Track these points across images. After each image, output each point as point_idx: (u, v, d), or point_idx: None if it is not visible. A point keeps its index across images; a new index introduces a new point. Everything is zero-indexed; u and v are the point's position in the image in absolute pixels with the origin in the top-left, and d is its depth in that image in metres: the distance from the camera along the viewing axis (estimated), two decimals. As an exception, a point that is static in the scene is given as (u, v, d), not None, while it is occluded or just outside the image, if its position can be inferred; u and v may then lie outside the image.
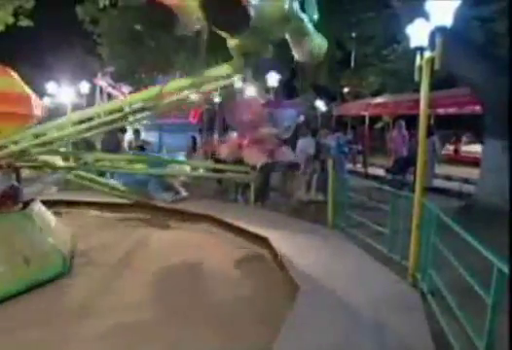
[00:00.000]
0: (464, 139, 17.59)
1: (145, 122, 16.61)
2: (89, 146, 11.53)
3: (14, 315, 3.76)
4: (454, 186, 9.86)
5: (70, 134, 5.24)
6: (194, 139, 13.82)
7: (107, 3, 11.01)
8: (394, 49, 13.20)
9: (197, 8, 3.25)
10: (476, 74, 7.12)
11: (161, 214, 7.38)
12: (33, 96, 5.00)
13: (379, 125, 20.12)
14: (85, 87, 13.28)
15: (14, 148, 4.84)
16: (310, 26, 3.99)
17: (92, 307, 3.92)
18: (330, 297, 3.86)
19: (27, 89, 4.92)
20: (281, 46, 4.09)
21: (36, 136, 5.17)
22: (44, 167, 5.61)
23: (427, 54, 3.97)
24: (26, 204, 4.95)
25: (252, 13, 3.22)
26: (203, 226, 6.86)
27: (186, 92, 5.15)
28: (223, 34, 3.56)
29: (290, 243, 5.45)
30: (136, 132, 10.98)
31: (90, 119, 5.35)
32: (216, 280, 4.68)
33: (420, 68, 4.10)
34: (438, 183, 10.39)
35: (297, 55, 4.10)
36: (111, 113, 5.24)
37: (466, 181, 9.84)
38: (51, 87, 13.38)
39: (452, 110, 15.64)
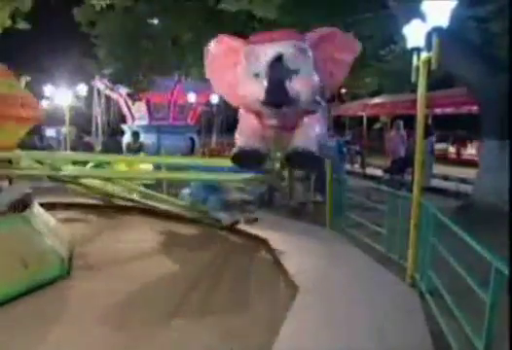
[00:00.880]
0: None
1: (143, 123, 16.70)
2: (88, 149, 11.56)
3: (12, 317, 3.75)
4: (451, 185, 9.89)
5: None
6: (192, 141, 13.83)
7: (104, 5, 11.00)
8: (391, 49, 13.21)
9: None
10: (473, 74, 7.14)
11: (161, 217, 7.37)
12: (33, 99, 5.01)
13: (377, 126, 20.15)
14: (82, 89, 13.28)
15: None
16: None
17: (92, 310, 3.91)
18: (329, 297, 3.86)
19: (27, 92, 4.93)
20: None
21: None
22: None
23: (424, 55, 3.98)
24: (25, 207, 4.94)
25: None
26: (203, 226, 6.85)
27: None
28: None
29: (289, 244, 5.46)
30: (135, 134, 10.97)
31: None
32: (215, 281, 4.68)
33: (417, 69, 4.11)
34: (435, 183, 10.41)
35: None
36: None
37: (464, 181, 9.86)
38: (48, 89, 13.38)
39: (449, 110, 15.68)
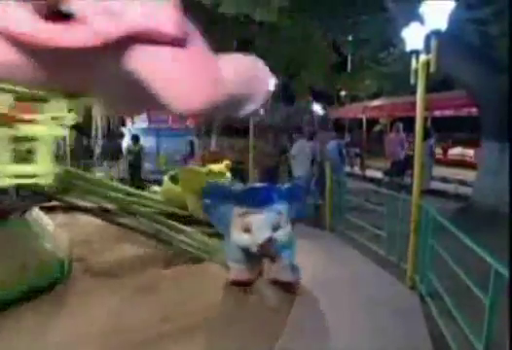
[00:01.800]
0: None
1: (142, 126, 16.69)
2: (87, 152, 11.54)
3: (11, 320, 3.74)
4: (450, 188, 9.89)
5: None
6: (191, 143, 13.82)
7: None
8: (390, 52, 13.27)
9: None
10: (471, 76, 7.15)
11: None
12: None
13: (377, 128, 20.16)
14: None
15: None
16: None
17: (91, 313, 3.90)
18: (329, 300, 3.85)
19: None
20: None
21: None
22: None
23: (423, 57, 4.00)
24: (24, 210, 4.94)
25: None
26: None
27: None
28: None
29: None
30: (135, 137, 10.97)
31: None
32: (214, 282, 4.66)
33: (416, 71, 4.12)
34: (435, 185, 10.41)
35: None
36: None
37: (463, 183, 9.87)
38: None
39: (448, 112, 15.71)
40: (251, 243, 3.81)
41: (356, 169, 14.76)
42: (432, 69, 3.86)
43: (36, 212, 5.25)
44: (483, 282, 2.59)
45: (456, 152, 15.39)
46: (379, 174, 12.25)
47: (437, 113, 15.66)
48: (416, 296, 3.93)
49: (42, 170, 3.62)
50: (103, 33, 2.30)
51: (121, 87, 2.76)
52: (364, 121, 16.16)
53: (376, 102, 16.81)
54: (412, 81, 4.23)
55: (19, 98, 3.19)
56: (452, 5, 3.94)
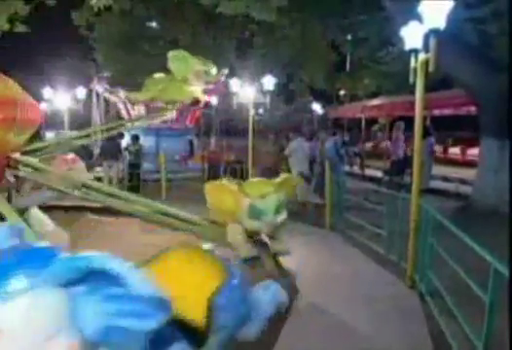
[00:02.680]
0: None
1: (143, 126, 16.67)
2: (87, 152, 11.52)
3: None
4: (450, 187, 9.88)
5: None
6: (191, 143, 13.82)
7: (102, 7, 11.01)
8: (389, 51, 13.26)
9: None
10: (470, 75, 7.16)
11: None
12: (33, 102, 4.98)
13: (375, 128, 20.16)
14: (81, 92, 13.28)
15: None
16: None
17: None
18: (329, 298, 3.85)
19: (27, 95, 4.88)
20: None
21: None
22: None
23: (422, 56, 3.99)
24: (24, 210, 4.94)
25: None
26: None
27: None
28: None
29: (289, 246, 5.43)
30: (134, 137, 10.96)
31: None
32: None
33: (415, 70, 4.12)
34: (435, 184, 10.40)
35: None
36: None
37: (463, 182, 9.86)
38: (47, 92, 13.38)
39: (448, 111, 15.70)
40: None
41: (356, 168, 14.74)
42: (431, 68, 3.85)
43: (36, 211, 5.25)
44: (483, 281, 2.59)
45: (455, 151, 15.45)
46: (378, 173, 12.24)
47: (436, 112, 15.64)
48: (416, 294, 3.93)
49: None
50: None
51: None
52: (363, 120, 16.15)
53: (375, 101, 16.79)
54: (411, 80, 4.22)
55: None
56: (450, 4, 3.94)
